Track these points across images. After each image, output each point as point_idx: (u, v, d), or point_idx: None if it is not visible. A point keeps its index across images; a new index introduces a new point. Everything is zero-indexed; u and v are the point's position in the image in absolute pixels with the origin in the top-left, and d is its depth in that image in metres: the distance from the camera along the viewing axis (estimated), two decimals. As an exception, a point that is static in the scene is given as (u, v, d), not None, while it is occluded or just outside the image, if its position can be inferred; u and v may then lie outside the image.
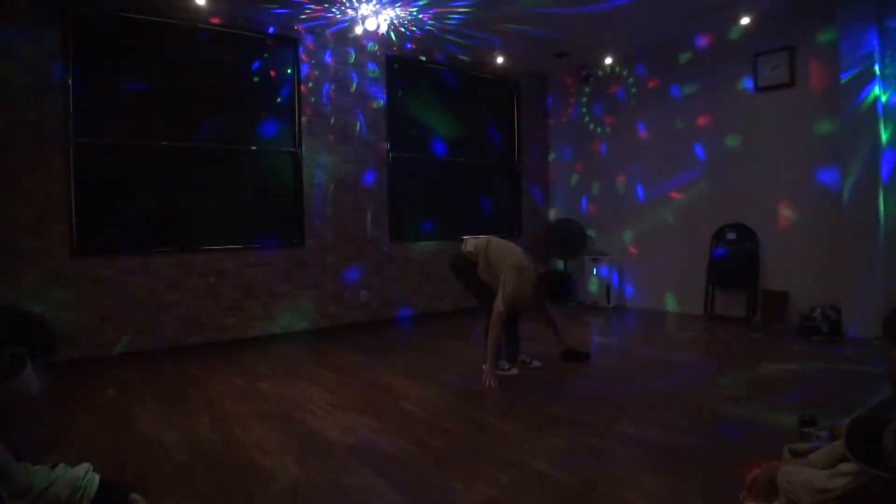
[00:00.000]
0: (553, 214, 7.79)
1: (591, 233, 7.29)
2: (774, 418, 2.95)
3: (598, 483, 2.34)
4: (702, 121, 6.13)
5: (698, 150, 6.17)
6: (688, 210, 6.28)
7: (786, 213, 5.49)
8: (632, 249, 6.88)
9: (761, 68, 5.58)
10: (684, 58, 6.27)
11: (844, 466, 1.37)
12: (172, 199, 5.17)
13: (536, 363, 4.14)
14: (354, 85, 6.08)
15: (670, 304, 6.48)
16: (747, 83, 5.72)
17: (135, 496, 1.50)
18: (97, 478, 1.44)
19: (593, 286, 7.00)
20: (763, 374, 3.91)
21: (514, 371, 4.00)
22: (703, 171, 6.14)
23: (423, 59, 6.58)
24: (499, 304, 3.68)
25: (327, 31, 5.79)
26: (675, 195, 6.41)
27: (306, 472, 2.48)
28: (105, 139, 4.84)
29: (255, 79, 5.56)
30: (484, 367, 3.79)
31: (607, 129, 7.13)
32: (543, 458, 2.55)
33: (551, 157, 7.82)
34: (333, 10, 5.21)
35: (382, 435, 2.91)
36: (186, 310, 5.08)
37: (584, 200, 7.43)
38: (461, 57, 6.70)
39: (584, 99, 7.36)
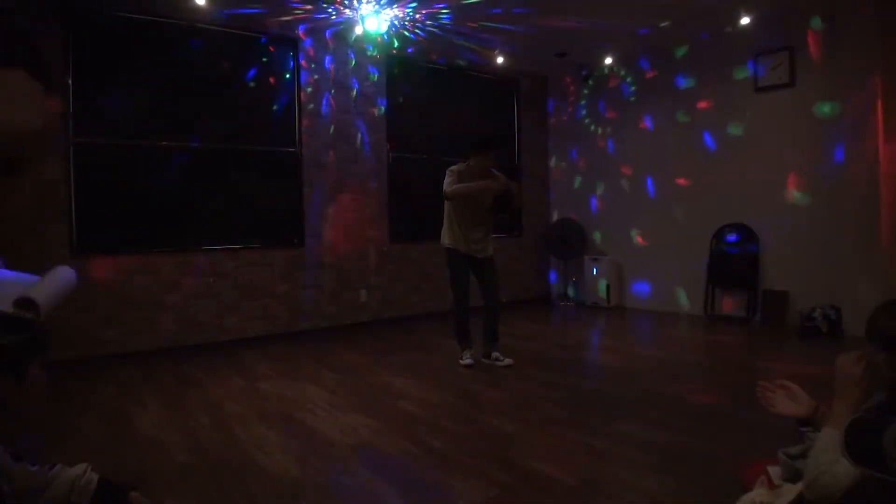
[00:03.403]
0: (553, 214, 7.79)
1: (591, 233, 7.29)
2: (774, 418, 2.94)
3: (598, 483, 2.34)
4: (702, 122, 6.12)
5: (698, 150, 6.17)
6: (688, 210, 6.28)
7: (786, 212, 5.49)
8: (632, 249, 6.88)
9: (761, 68, 5.58)
10: (684, 58, 6.27)
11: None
12: (172, 199, 5.16)
13: (508, 360, 4.21)
14: (354, 84, 6.08)
15: (670, 304, 6.48)
16: (747, 83, 5.72)
17: (134, 494, 1.50)
18: (95, 477, 1.44)
19: (593, 286, 7.00)
20: (763, 375, 3.91)
21: (470, 361, 4.23)
22: (704, 172, 6.13)
23: (423, 59, 6.58)
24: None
25: (327, 31, 5.79)
26: (675, 195, 6.41)
27: (306, 472, 2.48)
28: (105, 139, 4.83)
29: (255, 78, 5.55)
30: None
31: (607, 129, 7.13)
32: (543, 458, 2.55)
33: (551, 156, 7.82)
34: (334, 10, 5.21)
35: (382, 435, 2.91)
36: (186, 310, 5.08)
37: (583, 200, 7.43)
38: (461, 57, 6.69)
39: (584, 99, 7.36)
